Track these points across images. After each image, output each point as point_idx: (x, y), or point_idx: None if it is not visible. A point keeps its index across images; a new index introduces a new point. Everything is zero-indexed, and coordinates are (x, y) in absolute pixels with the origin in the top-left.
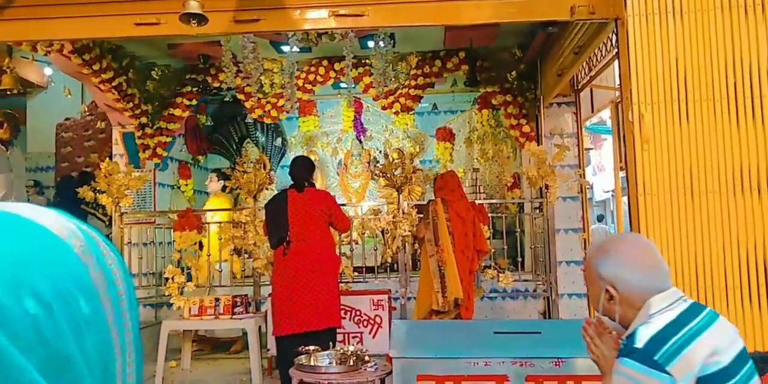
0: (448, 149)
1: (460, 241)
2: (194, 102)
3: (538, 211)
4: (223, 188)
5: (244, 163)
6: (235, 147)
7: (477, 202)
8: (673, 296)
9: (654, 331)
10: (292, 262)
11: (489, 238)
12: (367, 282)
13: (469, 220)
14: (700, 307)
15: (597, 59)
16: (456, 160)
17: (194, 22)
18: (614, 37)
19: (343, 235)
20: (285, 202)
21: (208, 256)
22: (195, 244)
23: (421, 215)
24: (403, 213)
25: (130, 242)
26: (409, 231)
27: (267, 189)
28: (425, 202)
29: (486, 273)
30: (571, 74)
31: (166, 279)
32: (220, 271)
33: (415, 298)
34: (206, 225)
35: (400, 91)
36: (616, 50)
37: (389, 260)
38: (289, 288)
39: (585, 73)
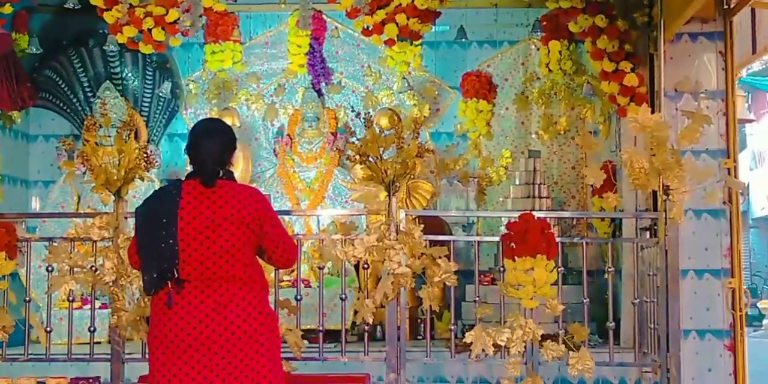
0: (485, 113)
1: None
2: (7, 9)
3: (648, 235)
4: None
5: (99, 126)
6: (82, 96)
7: (535, 212)
8: None
9: None
10: (184, 319)
11: (555, 284)
12: (326, 360)
13: None
14: None
15: None
16: (498, 134)
17: None
18: None
19: (283, 271)
20: (175, 205)
21: (28, 302)
22: (3, 278)
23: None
24: (398, 231)
25: None
26: (409, 265)
27: (142, 178)
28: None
29: (546, 348)
30: None
31: None
32: (48, 331)
33: None
34: (26, 243)
35: (398, 1)
36: None
37: (369, 321)
38: (177, 369)
39: None
